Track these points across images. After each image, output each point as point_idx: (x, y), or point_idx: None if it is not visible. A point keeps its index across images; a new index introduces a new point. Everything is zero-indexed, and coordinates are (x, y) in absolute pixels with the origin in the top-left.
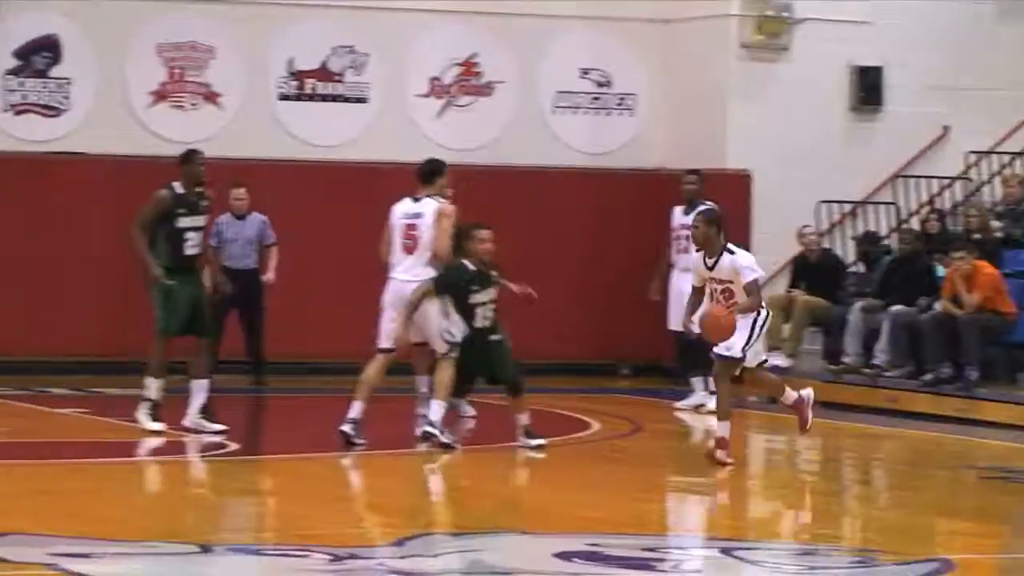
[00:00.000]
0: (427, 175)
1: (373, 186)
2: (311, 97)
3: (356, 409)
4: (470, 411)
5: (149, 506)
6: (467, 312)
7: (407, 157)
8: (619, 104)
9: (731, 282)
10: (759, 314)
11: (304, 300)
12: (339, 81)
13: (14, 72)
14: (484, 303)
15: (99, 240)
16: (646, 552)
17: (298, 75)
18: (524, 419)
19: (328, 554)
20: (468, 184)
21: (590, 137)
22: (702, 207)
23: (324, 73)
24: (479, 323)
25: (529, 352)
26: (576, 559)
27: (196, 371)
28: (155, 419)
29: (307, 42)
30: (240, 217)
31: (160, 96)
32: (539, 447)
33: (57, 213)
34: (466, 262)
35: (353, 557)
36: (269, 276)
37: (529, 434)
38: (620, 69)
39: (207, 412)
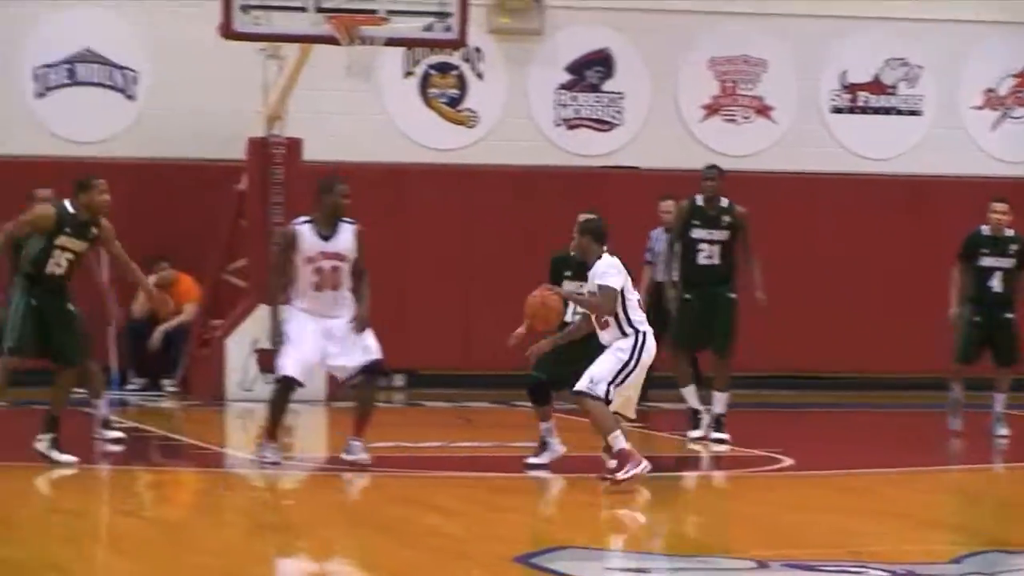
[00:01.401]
0: None
1: (927, 199)
2: (863, 110)
3: None
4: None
5: (703, 521)
6: None
7: (961, 170)
8: None
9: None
10: (633, 359)
11: (852, 313)
12: (892, 93)
13: (567, 87)
14: None
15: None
16: None
17: (851, 88)
18: None
19: (885, 571)
20: None
21: None
22: (582, 216)
23: (877, 86)
24: None
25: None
26: None
27: (717, 382)
28: (695, 426)
29: (860, 55)
30: (670, 231)
31: (712, 110)
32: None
33: (611, 226)
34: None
35: (910, 574)
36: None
37: None
38: None
39: (718, 424)
